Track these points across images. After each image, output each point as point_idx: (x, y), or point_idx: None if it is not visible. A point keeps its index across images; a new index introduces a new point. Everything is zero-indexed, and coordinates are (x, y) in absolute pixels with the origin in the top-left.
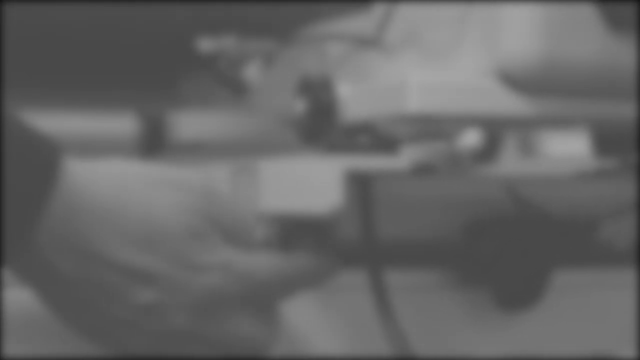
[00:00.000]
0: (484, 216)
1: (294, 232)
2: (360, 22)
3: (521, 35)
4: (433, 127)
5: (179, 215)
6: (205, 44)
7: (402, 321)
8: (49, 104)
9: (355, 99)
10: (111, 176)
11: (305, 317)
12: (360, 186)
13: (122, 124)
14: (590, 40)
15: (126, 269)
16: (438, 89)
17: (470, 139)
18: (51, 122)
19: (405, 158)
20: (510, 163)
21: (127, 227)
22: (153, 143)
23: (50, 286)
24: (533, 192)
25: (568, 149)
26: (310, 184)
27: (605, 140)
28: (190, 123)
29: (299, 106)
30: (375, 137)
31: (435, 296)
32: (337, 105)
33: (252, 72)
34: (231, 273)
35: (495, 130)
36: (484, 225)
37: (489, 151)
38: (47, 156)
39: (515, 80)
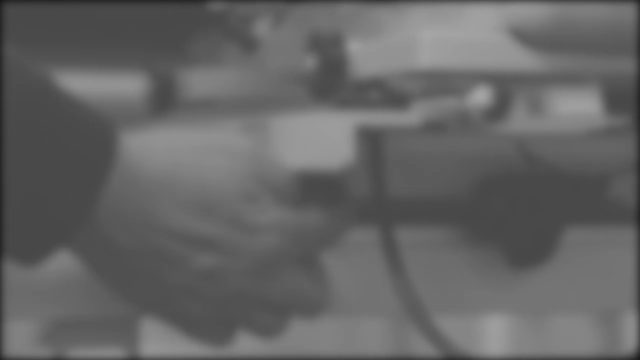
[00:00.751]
0: (495, 173)
1: (305, 188)
2: None
3: None
4: (444, 83)
5: (232, 180)
6: (216, 1)
7: (412, 278)
8: (57, 63)
9: (365, 55)
10: (164, 147)
11: None
12: (371, 142)
13: (131, 83)
14: None
15: (185, 235)
16: (449, 45)
17: (481, 96)
18: (60, 81)
19: (416, 114)
20: (520, 121)
21: (183, 195)
22: (163, 101)
23: (109, 260)
24: (544, 149)
25: (578, 108)
26: (321, 140)
27: (615, 97)
28: (200, 81)
29: (310, 62)
30: (386, 93)
31: (446, 253)
32: (347, 61)
33: (262, 29)
34: (286, 232)
35: (506, 87)
36: (494, 182)
37: (499, 109)
38: (104, 133)
39: (526, 36)
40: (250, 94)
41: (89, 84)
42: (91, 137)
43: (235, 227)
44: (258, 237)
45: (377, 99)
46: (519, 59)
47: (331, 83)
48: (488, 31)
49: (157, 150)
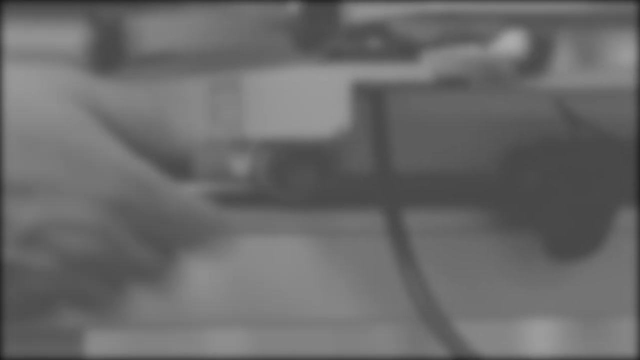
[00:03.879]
0: (530, 141)
1: (289, 162)
2: None
3: None
4: (462, 28)
5: (55, 100)
6: None
7: (426, 273)
8: None
9: None
10: None
11: (308, 270)
12: (372, 102)
13: (70, 34)
14: None
15: None
16: None
17: (512, 43)
18: None
19: (427, 67)
20: (564, 74)
21: None
22: (109, 56)
23: None
24: (591, 109)
25: (635, 57)
26: (309, 100)
27: None
28: (155, 30)
29: (293, 5)
30: (389, 41)
31: (467, 242)
32: (340, 2)
33: None
34: (127, 178)
35: (545, 32)
36: (529, 152)
37: (536, 59)
38: None
39: None
40: (218, 46)
41: (22, 36)
42: None
43: (63, 166)
44: (96, 180)
45: (378, 48)
46: None
47: (320, 30)
48: None
49: None
